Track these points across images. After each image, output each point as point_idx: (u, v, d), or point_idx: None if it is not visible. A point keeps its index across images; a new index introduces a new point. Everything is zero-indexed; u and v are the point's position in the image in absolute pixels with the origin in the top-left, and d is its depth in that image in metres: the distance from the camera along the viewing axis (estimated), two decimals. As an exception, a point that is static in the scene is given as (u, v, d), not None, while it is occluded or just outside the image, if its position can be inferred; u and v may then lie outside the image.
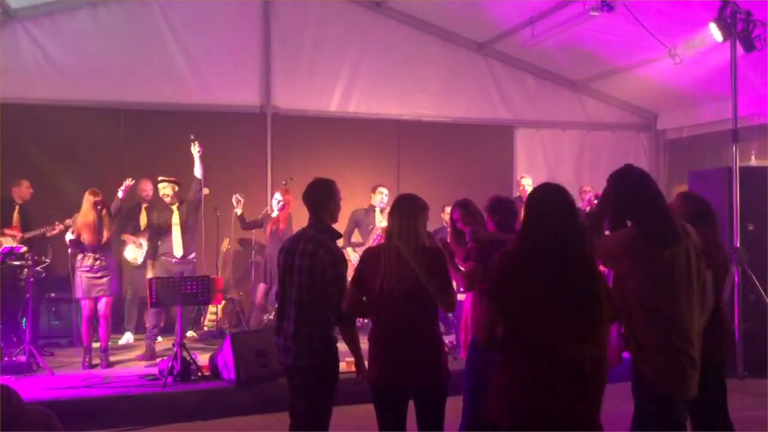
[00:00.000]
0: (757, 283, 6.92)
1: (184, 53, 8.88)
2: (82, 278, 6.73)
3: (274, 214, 7.85)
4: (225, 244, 8.26)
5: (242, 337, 6.33)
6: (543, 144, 10.44)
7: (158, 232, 7.42)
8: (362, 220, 8.21)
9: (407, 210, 3.53)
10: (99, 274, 6.76)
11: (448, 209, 8.31)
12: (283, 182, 7.98)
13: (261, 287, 7.79)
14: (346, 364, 5.72)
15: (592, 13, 7.52)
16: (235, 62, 9.11)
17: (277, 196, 7.85)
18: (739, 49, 6.95)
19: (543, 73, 10.27)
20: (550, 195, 2.63)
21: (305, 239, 3.67)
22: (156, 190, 7.67)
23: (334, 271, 3.55)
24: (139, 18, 8.73)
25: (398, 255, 3.41)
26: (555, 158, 10.37)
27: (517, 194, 8.76)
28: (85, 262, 6.74)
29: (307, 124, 9.37)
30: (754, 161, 9.46)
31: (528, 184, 8.56)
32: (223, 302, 7.95)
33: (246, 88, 9.18)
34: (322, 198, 3.71)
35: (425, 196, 3.73)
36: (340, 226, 4.03)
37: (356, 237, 8.34)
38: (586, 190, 8.43)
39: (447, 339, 5.98)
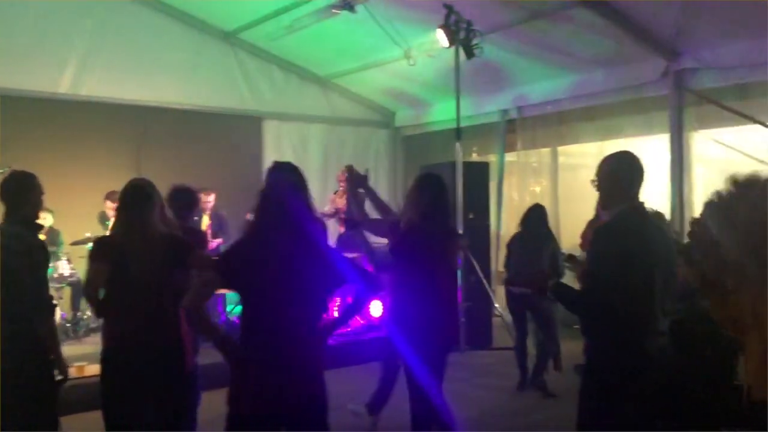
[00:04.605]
0: (477, 266, 7.81)
1: None
2: None
3: None
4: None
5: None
6: (290, 136, 10.56)
7: None
8: None
9: (132, 203, 3.41)
10: None
11: (206, 197, 8.12)
12: (0, 171, 7.09)
13: None
14: (75, 369, 5.30)
15: (333, 11, 7.82)
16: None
17: None
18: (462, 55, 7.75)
19: (290, 67, 10.39)
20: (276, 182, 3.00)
21: None
22: None
23: (28, 261, 3.37)
24: None
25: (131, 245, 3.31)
26: (303, 150, 10.57)
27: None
28: None
29: (32, 106, 8.40)
30: (475, 157, 10.64)
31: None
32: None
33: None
34: (23, 191, 3.50)
35: (171, 183, 3.61)
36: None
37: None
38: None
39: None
